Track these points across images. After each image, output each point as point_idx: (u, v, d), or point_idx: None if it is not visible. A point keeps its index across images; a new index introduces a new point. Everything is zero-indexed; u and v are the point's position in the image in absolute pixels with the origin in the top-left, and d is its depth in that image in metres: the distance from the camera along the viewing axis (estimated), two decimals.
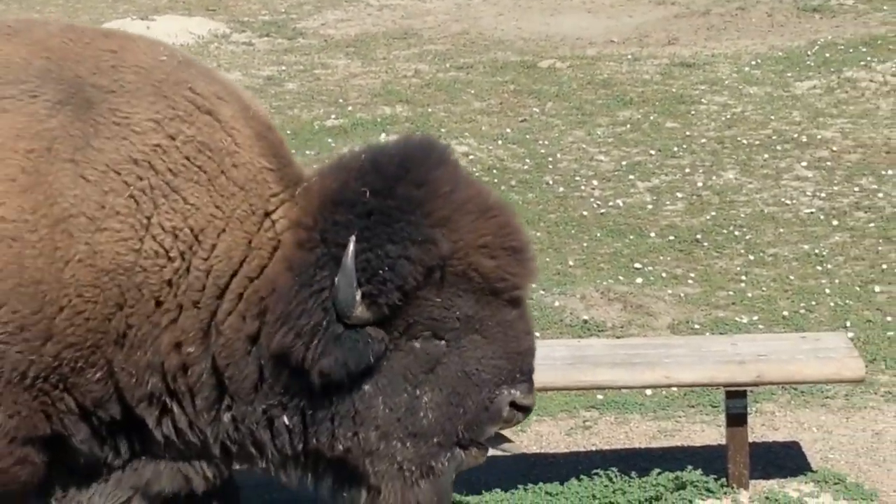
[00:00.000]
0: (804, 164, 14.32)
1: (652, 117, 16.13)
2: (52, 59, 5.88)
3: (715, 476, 7.88)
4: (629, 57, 18.93)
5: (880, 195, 13.33)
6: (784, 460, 8.39)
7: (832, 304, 10.87)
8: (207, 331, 5.77)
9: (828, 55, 18.07)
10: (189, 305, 5.75)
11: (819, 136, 15.12)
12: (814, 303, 10.90)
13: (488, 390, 5.76)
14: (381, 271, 5.56)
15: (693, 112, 16.25)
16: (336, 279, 5.54)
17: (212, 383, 5.82)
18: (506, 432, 6.06)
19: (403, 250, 5.56)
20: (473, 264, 5.67)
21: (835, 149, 14.75)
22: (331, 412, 5.76)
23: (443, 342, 5.70)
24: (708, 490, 7.79)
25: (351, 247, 5.50)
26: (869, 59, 17.55)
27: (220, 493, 6.34)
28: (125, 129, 5.76)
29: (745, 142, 15.10)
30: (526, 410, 5.90)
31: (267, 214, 5.83)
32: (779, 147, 14.90)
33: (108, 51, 5.98)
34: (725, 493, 7.81)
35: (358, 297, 5.52)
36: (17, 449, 5.83)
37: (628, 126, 15.87)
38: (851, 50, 18.14)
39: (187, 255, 5.73)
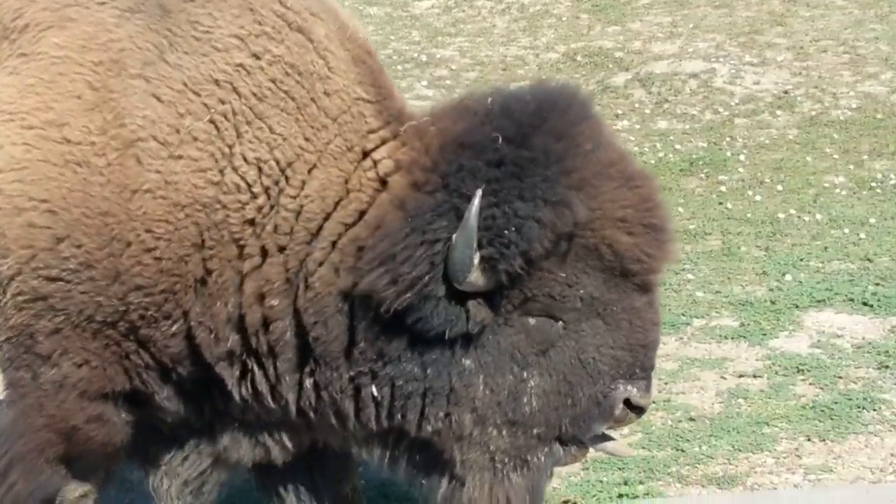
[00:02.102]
0: (424, 82, 14.45)
1: None
2: None
3: None
4: None
5: None
6: None
7: None
8: (293, 282, 5.00)
9: None
10: (274, 251, 4.98)
11: (438, 55, 15.29)
12: None
13: (603, 384, 4.97)
14: (505, 232, 4.72)
15: None
16: (454, 236, 4.72)
17: (295, 343, 5.06)
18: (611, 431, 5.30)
19: (534, 210, 4.72)
20: (608, 239, 4.86)
21: (453, 67, 14.95)
22: (423, 386, 4.98)
23: (560, 323, 4.91)
24: None
25: (476, 200, 4.66)
26: None
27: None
28: (206, 45, 5.05)
29: None
30: (640, 411, 5.09)
31: (366, 154, 5.06)
32: (399, 67, 14.97)
33: None
34: None
35: (476, 260, 4.70)
36: (88, 405, 5.16)
37: None
38: None
39: (273, 192, 4.98)
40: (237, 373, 5.15)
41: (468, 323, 4.81)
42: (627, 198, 4.89)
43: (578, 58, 14.93)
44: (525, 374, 4.94)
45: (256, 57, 5.03)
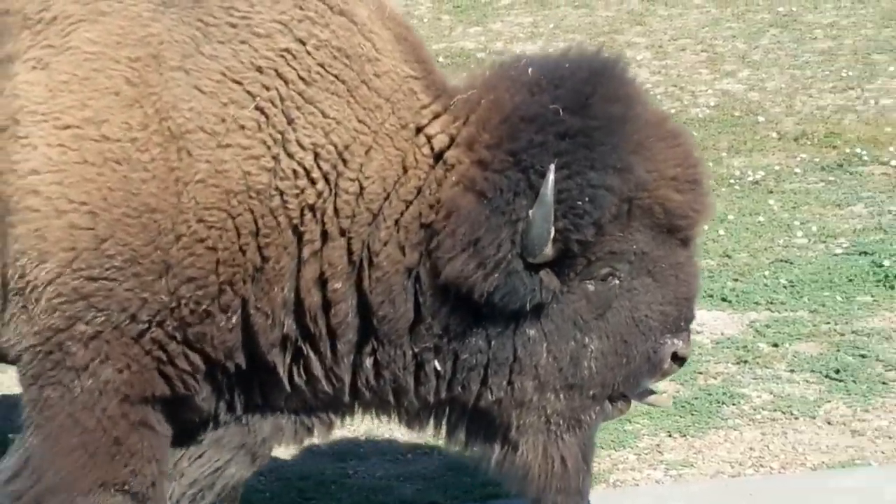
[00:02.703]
0: None
1: None
2: None
3: None
4: None
5: None
6: None
7: None
8: (355, 264, 4.99)
9: None
10: (336, 234, 4.95)
11: None
12: None
13: (654, 339, 5.14)
14: (579, 203, 4.80)
15: None
16: (531, 211, 4.78)
17: (357, 324, 5.05)
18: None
19: (604, 178, 4.81)
20: (661, 198, 4.98)
21: None
22: (487, 358, 5.05)
23: (616, 282, 5.03)
24: None
25: (552, 175, 4.72)
26: None
27: None
28: (244, 31, 4.96)
29: None
30: (682, 362, 5.29)
31: (419, 129, 5.05)
32: None
33: None
34: None
35: (552, 234, 4.78)
36: (130, 409, 4.97)
37: None
38: None
39: (331, 176, 4.93)
40: (288, 358, 5.10)
41: (542, 293, 4.90)
42: (675, 156, 5.02)
43: (441, 59, 14.93)
44: (586, 339, 5.05)
45: (302, 42, 4.98)
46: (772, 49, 14.81)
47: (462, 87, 5.19)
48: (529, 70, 5.04)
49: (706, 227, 5.27)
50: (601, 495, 6.70)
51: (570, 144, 4.82)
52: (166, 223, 4.82)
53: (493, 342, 5.03)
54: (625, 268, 5.01)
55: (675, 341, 5.19)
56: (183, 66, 4.90)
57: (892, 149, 11.88)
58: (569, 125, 4.84)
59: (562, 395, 5.13)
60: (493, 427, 5.24)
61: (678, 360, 5.25)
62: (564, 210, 4.79)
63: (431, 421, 5.37)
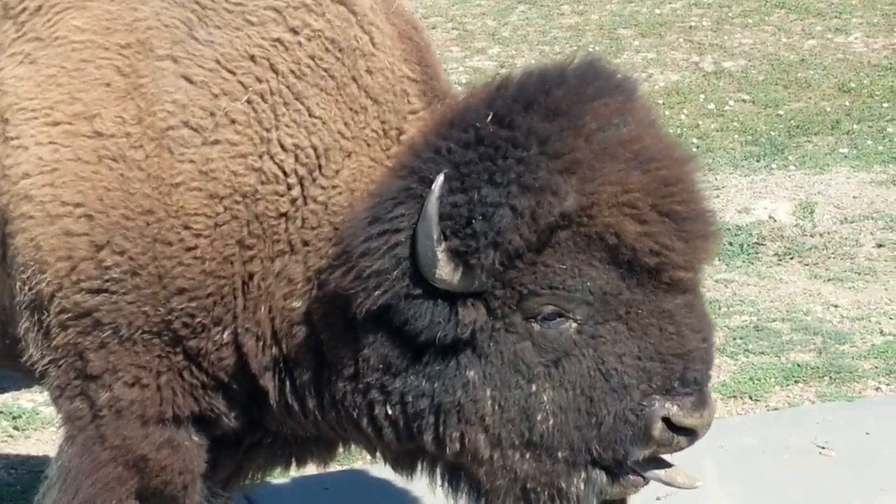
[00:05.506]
0: None
1: None
2: None
3: None
4: None
5: None
6: None
7: None
8: (312, 281, 4.58)
9: None
10: (299, 247, 4.57)
11: None
12: None
13: (631, 399, 4.38)
14: (472, 221, 4.24)
15: None
16: (417, 226, 4.30)
17: (315, 351, 4.63)
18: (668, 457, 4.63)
19: (506, 196, 4.22)
20: (612, 227, 4.28)
21: None
22: (434, 402, 4.47)
23: (571, 325, 4.36)
24: None
25: (437, 186, 4.23)
26: None
27: None
28: (238, 17, 4.63)
29: None
30: (687, 433, 4.45)
31: (400, 135, 4.62)
32: None
33: None
34: None
35: (440, 254, 4.23)
36: (152, 430, 4.72)
37: None
38: None
39: (306, 182, 4.55)
40: (278, 384, 4.76)
41: (458, 326, 4.35)
42: (637, 181, 4.34)
43: None
44: (534, 387, 4.42)
45: (294, 31, 4.65)
46: (521, 26, 15.00)
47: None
48: (521, 73, 4.60)
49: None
50: None
51: (475, 155, 4.34)
52: (160, 228, 4.54)
53: (435, 383, 4.48)
54: (582, 309, 4.36)
55: (668, 405, 4.42)
56: (171, 54, 4.60)
57: None
58: (482, 134, 4.37)
59: (526, 455, 4.51)
60: (474, 488, 4.71)
61: (678, 430, 4.46)
62: (454, 228, 4.29)
63: (416, 470, 4.91)
